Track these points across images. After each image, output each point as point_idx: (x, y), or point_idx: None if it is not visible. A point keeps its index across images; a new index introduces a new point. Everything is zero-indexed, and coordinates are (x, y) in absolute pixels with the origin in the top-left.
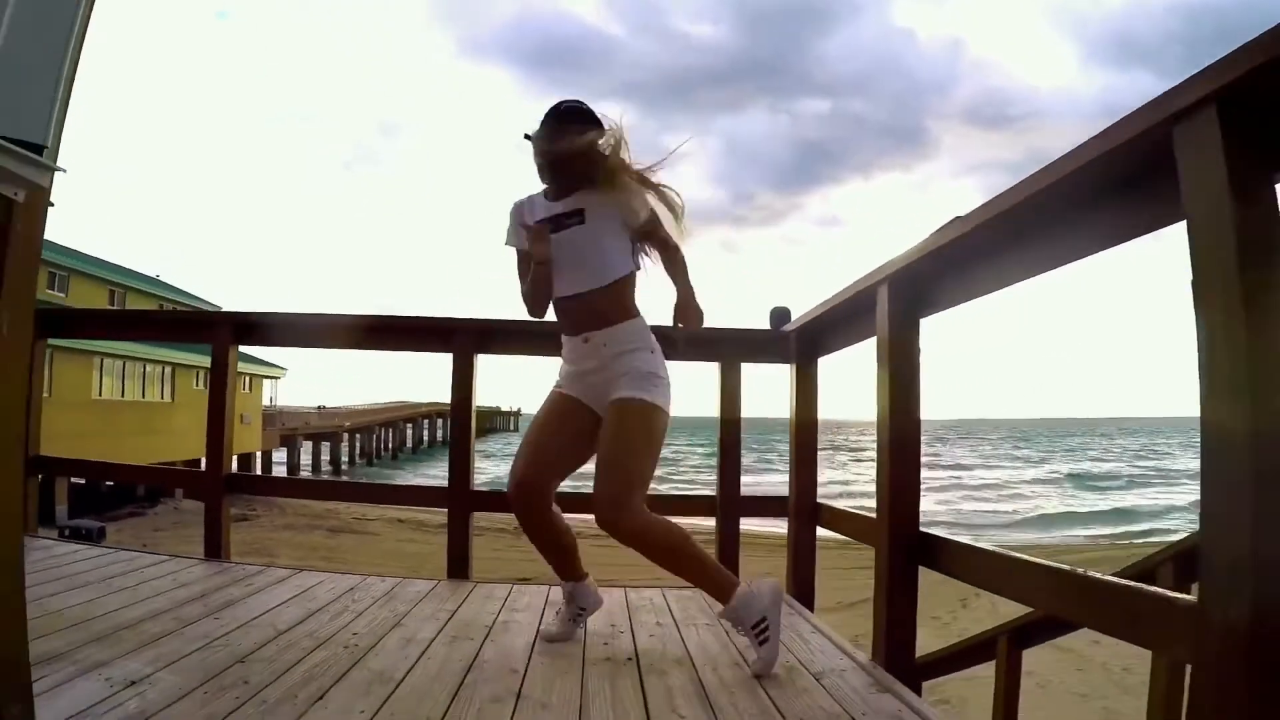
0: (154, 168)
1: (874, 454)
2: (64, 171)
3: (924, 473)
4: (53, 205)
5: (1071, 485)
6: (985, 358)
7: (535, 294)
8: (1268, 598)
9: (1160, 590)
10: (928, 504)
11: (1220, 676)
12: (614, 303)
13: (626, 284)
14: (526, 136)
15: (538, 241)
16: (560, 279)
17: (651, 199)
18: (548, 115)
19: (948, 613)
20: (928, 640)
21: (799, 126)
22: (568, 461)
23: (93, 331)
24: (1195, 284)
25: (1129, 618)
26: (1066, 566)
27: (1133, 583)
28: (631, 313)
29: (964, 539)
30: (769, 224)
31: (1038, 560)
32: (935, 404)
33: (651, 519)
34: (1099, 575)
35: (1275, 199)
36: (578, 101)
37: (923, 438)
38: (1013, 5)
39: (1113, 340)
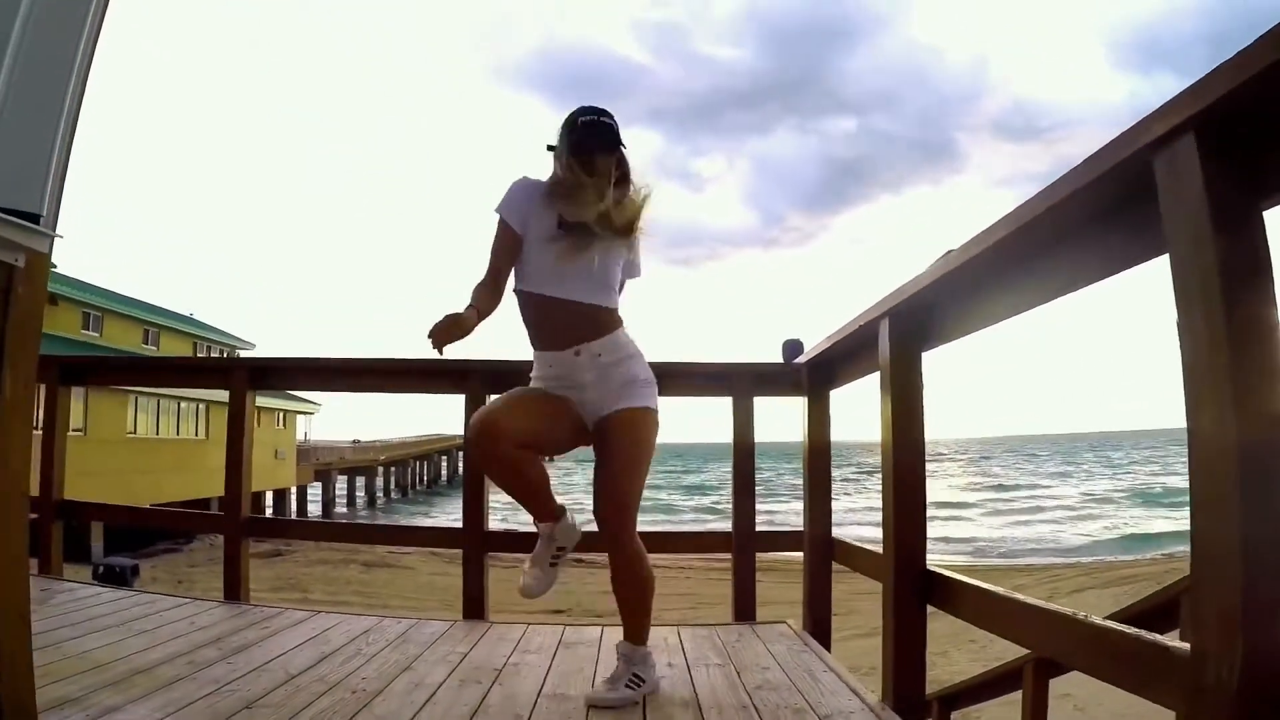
0: (182, 203)
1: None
2: (61, 237)
3: (977, 495)
4: (54, 267)
5: (1134, 502)
6: (1015, 372)
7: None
8: (1254, 659)
9: (1155, 637)
10: (985, 531)
11: None
12: (609, 315)
13: (617, 306)
14: (550, 148)
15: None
16: (562, 283)
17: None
18: (602, 130)
19: (985, 635)
20: (966, 664)
21: (827, 145)
22: (542, 429)
23: (115, 378)
24: (1179, 321)
25: (1125, 664)
26: (1067, 610)
27: (1129, 628)
28: (619, 322)
29: (968, 579)
30: (800, 245)
31: (1038, 603)
32: (974, 421)
33: (642, 548)
34: (1097, 620)
35: (1262, 229)
36: (613, 120)
37: (968, 457)
38: (1036, 16)
39: (1152, 350)
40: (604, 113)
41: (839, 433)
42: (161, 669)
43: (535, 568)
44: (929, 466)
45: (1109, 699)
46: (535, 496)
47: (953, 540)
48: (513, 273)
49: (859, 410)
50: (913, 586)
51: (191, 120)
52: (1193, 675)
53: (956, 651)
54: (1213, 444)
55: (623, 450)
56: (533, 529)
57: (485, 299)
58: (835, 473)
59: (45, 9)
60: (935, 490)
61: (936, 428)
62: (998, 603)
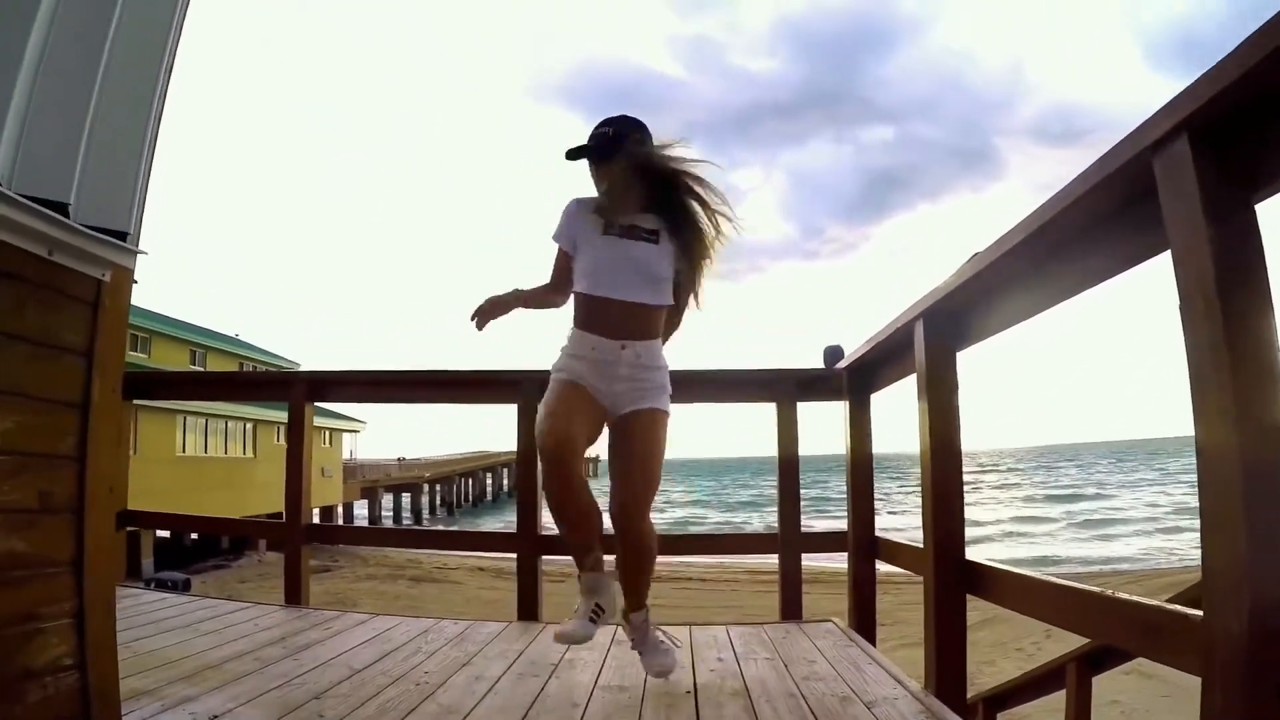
0: (226, 225)
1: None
2: (145, 254)
3: (1049, 509)
4: (136, 283)
5: None
6: (1048, 380)
7: (540, 305)
8: (1262, 608)
9: (1174, 606)
10: (1065, 549)
11: (1223, 686)
12: (656, 321)
13: (665, 310)
14: (580, 154)
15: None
16: (618, 284)
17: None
18: (643, 132)
19: (1031, 644)
20: (1011, 671)
21: (864, 155)
22: (590, 432)
23: (177, 393)
24: (1182, 312)
25: (1149, 634)
26: (1096, 589)
27: (1150, 600)
28: (659, 333)
29: (1005, 566)
30: (840, 255)
31: (1071, 584)
32: (1018, 430)
33: (653, 526)
34: (1123, 596)
35: (1254, 222)
36: (608, 128)
37: (1026, 467)
38: (1068, 18)
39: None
40: (603, 123)
41: (879, 445)
42: (230, 665)
43: (576, 619)
44: (993, 478)
45: (1156, 705)
46: (592, 532)
47: (1039, 561)
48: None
49: (895, 420)
50: (953, 577)
51: (235, 144)
52: (1207, 635)
53: (1004, 660)
54: (1216, 424)
55: (648, 443)
56: None
57: (539, 292)
58: (878, 486)
59: (127, 43)
60: (1002, 508)
61: (987, 438)
62: (1032, 586)
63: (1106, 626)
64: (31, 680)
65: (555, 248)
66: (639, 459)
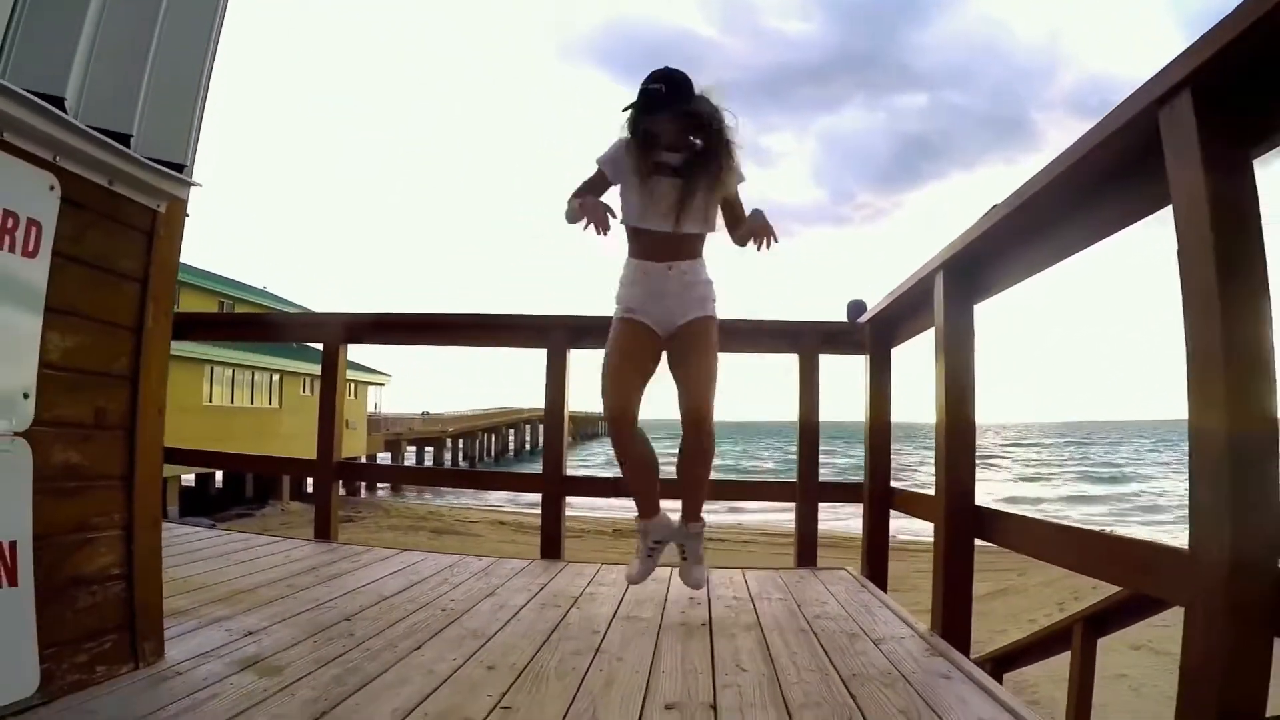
0: (260, 178)
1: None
2: (200, 186)
3: (1095, 488)
4: (189, 215)
5: None
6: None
7: (574, 218)
8: (1243, 540)
9: (1163, 542)
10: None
11: (1206, 612)
12: (697, 244)
13: (704, 235)
14: (642, 101)
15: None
16: (659, 217)
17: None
18: (683, 83)
19: (1044, 615)
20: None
21: (898, 121)
22: (645, 383)
23: (211, 333)
24: (1180, 264)
25: (1140, 569)
26: (1094, 529)
27: (1141, 539)
28: (701, 251)
29: (1013, 510)
30: (872, 222)
31: (1073, 525)
32: (1046, 404)
33: (713, 429)
34: (1119, 535)
35: (1251, 175)
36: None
37: (1058, 441)
38: None
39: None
40: (656, 77)
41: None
42: (262, 590)
43: (636, 559)
44: (1030, 454)
45: (1162, 680)
46: (652, 481)
47: None
48: (620, 209)
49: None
50: (964, 522)
51: (269, 97)
52: (1192, 566)
53: (1016, 630)
54: (1207, 367)
55: (702, 344)
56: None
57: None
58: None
59: None
60: (1043, 486)
61: (1014, 412)
62: (1035, 528)
63: (1103, 563)
64: (81, 587)
65: (595, 167)
66: (696, 358)
